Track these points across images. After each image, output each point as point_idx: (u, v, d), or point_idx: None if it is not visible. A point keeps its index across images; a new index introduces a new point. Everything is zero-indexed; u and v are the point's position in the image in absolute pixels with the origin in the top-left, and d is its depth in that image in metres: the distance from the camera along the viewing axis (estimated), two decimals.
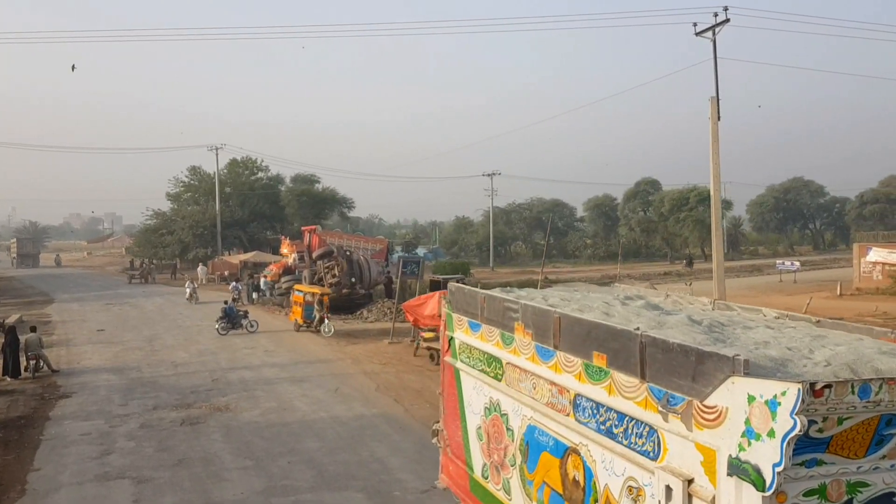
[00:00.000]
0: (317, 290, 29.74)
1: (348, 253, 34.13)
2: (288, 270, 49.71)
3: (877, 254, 41.18)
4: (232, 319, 28.77)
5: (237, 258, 57.58)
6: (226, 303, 30.98)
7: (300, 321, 28.84)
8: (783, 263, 51.94)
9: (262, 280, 43.11)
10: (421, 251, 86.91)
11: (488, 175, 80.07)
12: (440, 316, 22.91)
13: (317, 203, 67.67)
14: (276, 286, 42.70)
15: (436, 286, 37.01)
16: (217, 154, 62.24)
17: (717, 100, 17.05)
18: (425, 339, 22.59)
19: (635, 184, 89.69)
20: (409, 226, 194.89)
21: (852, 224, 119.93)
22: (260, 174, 70.79)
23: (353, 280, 33.34)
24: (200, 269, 55.27)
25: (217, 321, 28.59)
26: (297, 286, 29.28)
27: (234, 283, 38.05)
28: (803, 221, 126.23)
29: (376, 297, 36.61)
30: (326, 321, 27.64)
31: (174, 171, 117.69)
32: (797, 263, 50.66)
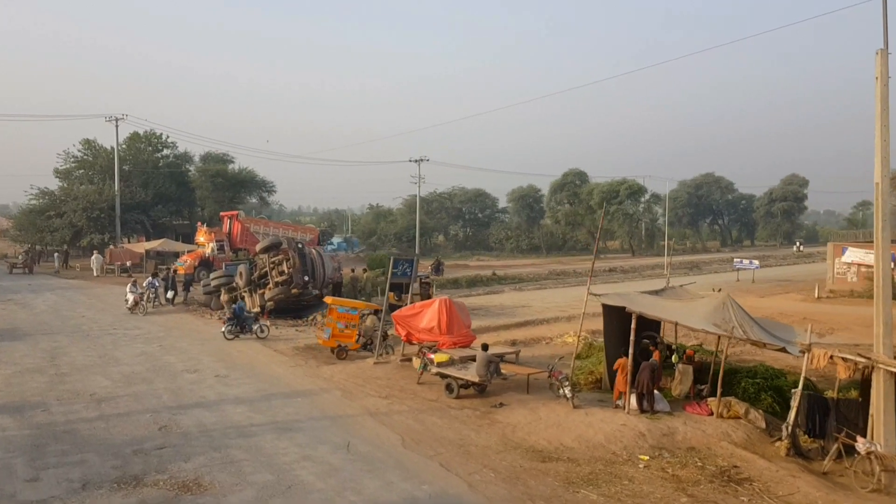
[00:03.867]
0: (363, 304, 23.62)
1: (300, 246, 28.32)
2: (205, 262, 43.27)
3: (853, 254, 38.90)
4: (241, 322, 23.62)
5: (141, 246, 50.34)
6: (235, 301, 26.09)
7: (352, 345, 21.65)
8: (741, 262, 49.50)
9: (171, 273, 36.54)
10: (336, 241, 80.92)
11: (415, 161, 74.80)
12: (440, 329, 17.74)
13: (232, 185, 60.53)
14: (189, 280, 36.25)
15: (396, 285, 31.87)
16: (117, 126, 54.17)
17: (887, 52, 12.73)
18: (437, 364, 17.43)
19: (563, 175, 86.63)
20: (311, 213, 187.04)
21: (760, 220, 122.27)
22: (165, 151, 62.91)
23: (307, 278, 27.62)
24: (95, 257, 47.60)
25: (224, 323, 23.86)
26: (334, 299, 22.28)
27: (149, 279, 31.41)
28: (713, 217, 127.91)
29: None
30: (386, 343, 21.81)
31: (63, 144, 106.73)
32: (756, 262, 48.30)
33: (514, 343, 24.28)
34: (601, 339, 24.86)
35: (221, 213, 48.41)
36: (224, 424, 14.31)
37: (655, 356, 16.64)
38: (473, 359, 18.25)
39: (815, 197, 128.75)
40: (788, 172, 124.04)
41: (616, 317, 17.67)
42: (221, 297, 30.56)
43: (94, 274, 46.24)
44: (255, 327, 23.81)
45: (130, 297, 29.44)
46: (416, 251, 74.15)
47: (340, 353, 21.19)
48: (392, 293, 31.84)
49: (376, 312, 22.24)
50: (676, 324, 16.10)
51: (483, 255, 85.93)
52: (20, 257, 51.09)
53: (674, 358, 17.13)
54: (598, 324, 29.15)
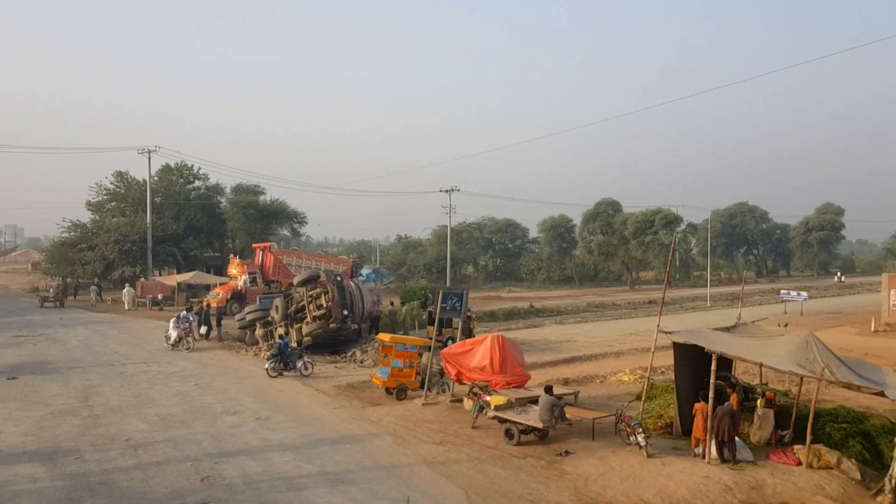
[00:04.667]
0: (421, 341, 22.20)
1: (339, 278, 27.30)
2: (238, 295, 42.48)
3: None
4: (285, 359, 22.62)
5: (172, 279, 49.62)
6: (281, 337, 24.92)
7: (412, 384, 20.35)
8: (788, 293, 47.71)
9: (205, 307, 35.76)
10: (364, 272, 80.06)
11: (446, 191, 73.95)
12: (493, 368, 16.52)
13: (264, 217, 59.95)
14: (221, 314, 35.42)
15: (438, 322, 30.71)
16: (150, 158, 53.96)
17: None
18: (495, 407, 16.19)
19: (595, 205, 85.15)
20: (337, 244, 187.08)
21: (796, 250, 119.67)
22: (197, 183, 62.62)
23: (346, 312, 26.56)
24: (127, 290, 47.02)
25: (268, 360, 22.84)
26: (393, 337, 21.00)
27: (183, 313, 30.53)
28: (747, 247, 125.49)
29: (363, 333, 29.96)
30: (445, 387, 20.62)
31: (95, 177, 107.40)
32: (804, 294, 46.49)
33: (566, 382, 22.95)
34: (661, 378, 23.59)
35: (254, 245, 47.75)
36: (271, 475, 13.16)
37: (733, 399, 15.27)
38: (532, 401, 17.03)
39: (848, 226, 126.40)
40: (822, 201, 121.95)
41: (688, 355, 16.37)
42: (256, 332, 29.60)
43: (126, 307, 45.62)
44: (299, 364, 22.75)
45: (174, 333, 28.33)
46: (448, 282, 72.96)
47: (400, 393, 20.02)
48: (431, 327, 30.83)
49: (428, 349, 21.04)
50: (761, 365, 14.76)
51: (514, 286, 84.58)
52: (51, 291, 50.72)
53: (759, 403, 15.71)
54: (656, 360, 27.94)
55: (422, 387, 20.15)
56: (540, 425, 15.05)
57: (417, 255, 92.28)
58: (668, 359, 28.22)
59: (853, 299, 61.42)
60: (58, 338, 32.01)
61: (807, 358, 14.90)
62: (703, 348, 15.76)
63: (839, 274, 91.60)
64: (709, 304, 54.44)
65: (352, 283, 28.49)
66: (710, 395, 14.33)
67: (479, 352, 18.78)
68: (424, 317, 35.75)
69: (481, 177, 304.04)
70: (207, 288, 48.91)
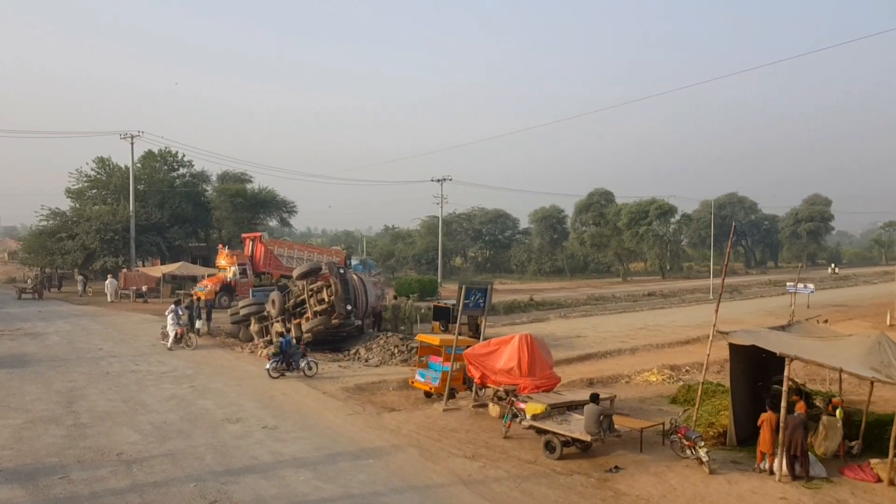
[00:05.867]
0: (464, 340, 19.74)
1: (342, 271, 25.49)
2: (227, 287, 40.57)
3: None
4: (287, 358, 20.83)
5: (157, 270, 47.57)
6: (282, 335, 23.19)
7: (460, 387, 18.63)
8: (794, 286, 46.37)
9: (196, 301, 33.93)
10: (352, 263, 78.07)
11: (438, 181, 72.04)
12: (521, 371, 14.88)
13: (252, 206, 57.76)
14: (211, 308, 33.59)
15: (442, 313, 29.06)
16: (132, 143, 51.52)
17: None
18: (532, 416, 14.52)
19: (588, 195, 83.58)
20: (320, 234, 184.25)
21: (785, 241, 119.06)
22: (182, 170, 60.26)
23: (350, 307, 24.78)
24: (110, 282, 44.89)
25: (270, 360, 21.04)
26: (442, 338, 19.09)
27: (172, 307, 28.52)
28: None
29: (365, 329, 28.21)
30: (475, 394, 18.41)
31: (75, 163, 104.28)
32: (811, 286, 45.16)
33: (591, 383, 21.36)
34: (688, 378, 22.05)
35: (243, 235, 45.72)
36: (288, 498, 11.42)
37: (799, 408, 13.71)
38: (570, 407, 15.41)
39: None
40: (805, 193, 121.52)
41: (746, 358, 14.81)
42: (251, 328, 27.80)
43: (108, 300, 43.52)
44: (302, 364, 20.95)
45: (171, 330, 26.12)
46: (439, 274, 71.22)
47: (450, 398, 18.34)
48: (437, 322, 29.12)
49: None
50: (841, 371, 13.21)
51: (504, 277, 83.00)
52: (29, 282, 48.43)
53: (838, 413, 14.11)
54: (675, 358, 26.57)
55: (469, 389, 18.56)
56: (587, 438, 13.39)
57: (406, 245, 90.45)
58: (688, 356, 26.95)
59: (853, 291, 60.47)
60: (37, 332, 29.98)
61: (881, 361, 13.38)
62: (760, 350, 14.23)
63: (833, 266, 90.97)
64: (711, 297, 53.11)
65: (354, 277, 26.68)
66: (783, 404, 12.74)
67: (505, 352, 17.10)
68: (424, 311, 34.07)
69: (471, 167, 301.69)
70: (194, 279, 46.89)
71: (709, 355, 15.10)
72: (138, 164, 56.48)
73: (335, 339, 26.65)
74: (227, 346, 27.18)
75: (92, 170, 57.70)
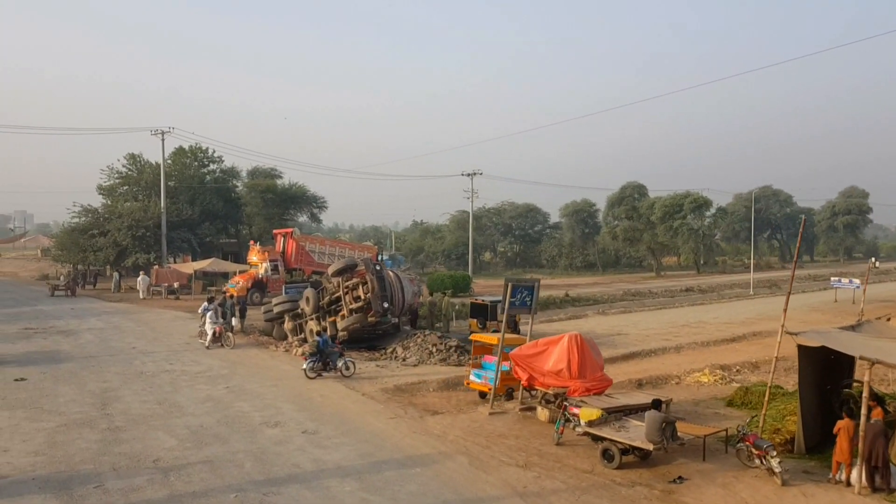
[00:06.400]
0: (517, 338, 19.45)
1: (378, 268, 24.82)
2: (259, 283, 40.18)
3: None
4: (324, 358, 20.25)
5: (189, 266, 47.31)
6: (319, 334, 22.65)
7: (516, 387, 17.77)
8: (839, 280, 45.08)
9: (227, 298, 33.52)
10: (382, 258, 77.56)
11: (468, 175, 71.25)
12: (571, 373, 14.06)
13: (282, 202, 57.43)
14: (245, 305, 33.19)
15: (480, 310, 28.30)
16: (163, 139, 51.44)
17: None
18: (588, 422, 13.70)
19: (620, 188, 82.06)
20: (347, 230, 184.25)
21: (822, 235, 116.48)
22: (212, 166, 60.11)
23: (386, 305, 24.11)
24: (142, 278, 44.75)
25: (306, 360, 20.41)
26: (488, 337, 18.65)
27: (205, 304, 28.08)
28: (770, 231, 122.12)
29: (401, 327, 27.56)
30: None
31: (106, 160, 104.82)
32: (857, 281, 43.82)
33: (640, 384, 20.48)
34: (740, 378, 21.09)
35: (274, 231, 45.31)
36: None
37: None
38: (625, 411, 14.58)
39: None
40: (842, 184, 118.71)
41: (815, 360, 13.87)
42: (285, 325, 27.24)
43: (140, 296, 43.36)
44: (339, 364, 20.31)
45: (210, 329, 25.55)
46: (469, 270, 70.45)
47: (509, 398, 17.97)
48: (474, 320, 28.37)
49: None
50: None
51: (535, 272, 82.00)
52: (62, 279, 48.48)
53: None
54: (723, 357, 25.53)
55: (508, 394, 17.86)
56: (649, 447, 12.55)
57: (436, 241, 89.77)
58: (736, 355, 25.90)
59: None
60: (70, 330, 29.73)
61: None
62: (829, 351, 13.31)
63: (874, 259, 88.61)
64: (752, 292, 51.78)
65: (391, 273, 25.99)
66: (863, 411, 11.81)
67: (554, 353, 16.29)
68: (458, 307, 33.35)
69: (501, 161, 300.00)
70: (225, 276, 46.64)
71: (777, 357, 14.14)
72: (169, 161, 56.39)
73: (371, 337, 26.01)
74: (261, 344, 26.67)
75: (123, 166, 57.81)
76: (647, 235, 79.91)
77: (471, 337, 21.14)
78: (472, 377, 18.54)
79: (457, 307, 32.80)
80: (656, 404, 13.05)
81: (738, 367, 23.37)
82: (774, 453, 12.18)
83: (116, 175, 57.54)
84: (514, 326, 28.44)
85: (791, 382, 20.72)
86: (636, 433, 13.09)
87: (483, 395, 18.09)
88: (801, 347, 13.67)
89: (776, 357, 14.02)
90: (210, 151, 59.92)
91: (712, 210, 79.12)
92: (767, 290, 55.59)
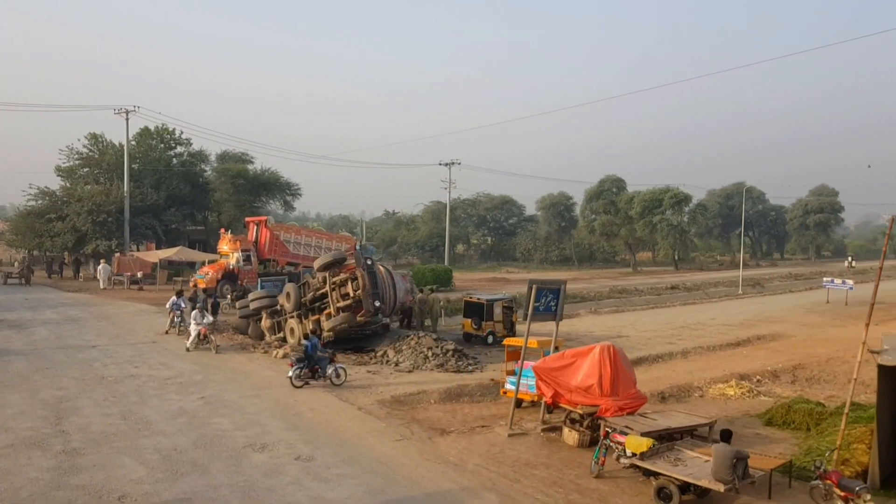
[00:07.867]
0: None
1: (369, 262, 22.57)
2: (230, 275, 37.63)
3: None
4: (313, 364, 18.02)
5: (153, 255, 44.42)
6: (307, 337, 20.56)
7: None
8: (832, 281, 43.86)
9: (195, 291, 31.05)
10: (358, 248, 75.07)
11: (446, 164, 69.05)
12: (602, 389, 12.11)
13: (254, 188, 54.64)
14: (216, 299, 30.87)
15: (474, 309, 26.26)
16: (128, 119, 48.34)
17: None
18: (634, 451, 11.69)
19: (599, 182, 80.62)
20: (314, 219, 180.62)
21: (794, 233, 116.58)
22: (179, 148, 57.05)
23: (378, 303, 21.91)
24: (102, 267, 41.97)
25: (292, 366, 18.10)
26: (511, 340, 16.66)
27: (173, 299, 25.60)
28: (742, 228, 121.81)
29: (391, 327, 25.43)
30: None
31: (66, 139, 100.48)
32: (850, 282, 42.64)
33: (663, 398, 18.58)
34: (765, 391, 19.33)
35: (247, 219, 42.65)
36: None
37: None
38: (671, 436, 12.64)
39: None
40: (811, 184, 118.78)
41: (892, 382, 12.04)
42: (262, 323, 24.91)
43: (101, 286, 40.57)
44: (329, 371, 18.06)
45: (194, 329, 22.83)
46: (446, 262, 68.36)
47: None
48: (469, 320, 26.30)
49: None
50: None
51: (510, 265, 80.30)
52: (16, 266, 45.31)
53: None
54: (734, 363, 23.70)
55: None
56: (719, 488, 10.55)
57: (409, 231, 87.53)
58: (749, 362, 24.09)
59: (882, 286, 57.81)
60: (22, 324, 27.07)
61: None
62: None
63: (850, 259, 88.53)
64: (740, 291, 50.48)
65: (381, 269, 23.77)
66: None
67: (583, 367, 14.29)
68: (443, 303, 31.30)
69: (476, 154, 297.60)
70: (192, 266, 43.94)
71: (855, 378, 12.23)
72: (133, 142, 53.27)
73: (357, 338, 23.82)
74: (237, 344, 24.26)
75: (84, 146, 54.54)
76: (625, 230, 78.59)
77: (504, 342, 19.25)
78: (507, 385, 16.65)
79: (441, 303, 30.71)
80: (725, 436, 11.08)
81: (758, 377, 21.63)
82: (868, 497, 10.30)
83: (76, 156, 54.24)
84: (510, 326, 26.52)
85: (823, 396, 19.13)
86: (697, 468, 11.12)
87: (519, 403, 16.00)
88: (881, 368, 11.82)
89: (854, 378, 12.11)
90: (177, 133, 56.92)
91: (691, 205, 77.96)
92: (749, 287, 54.39)
